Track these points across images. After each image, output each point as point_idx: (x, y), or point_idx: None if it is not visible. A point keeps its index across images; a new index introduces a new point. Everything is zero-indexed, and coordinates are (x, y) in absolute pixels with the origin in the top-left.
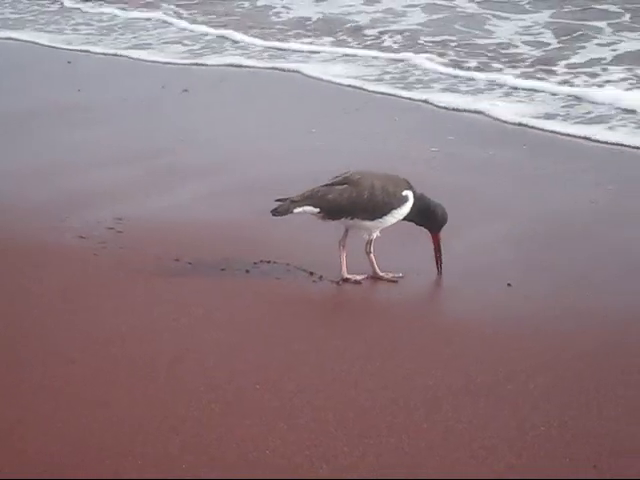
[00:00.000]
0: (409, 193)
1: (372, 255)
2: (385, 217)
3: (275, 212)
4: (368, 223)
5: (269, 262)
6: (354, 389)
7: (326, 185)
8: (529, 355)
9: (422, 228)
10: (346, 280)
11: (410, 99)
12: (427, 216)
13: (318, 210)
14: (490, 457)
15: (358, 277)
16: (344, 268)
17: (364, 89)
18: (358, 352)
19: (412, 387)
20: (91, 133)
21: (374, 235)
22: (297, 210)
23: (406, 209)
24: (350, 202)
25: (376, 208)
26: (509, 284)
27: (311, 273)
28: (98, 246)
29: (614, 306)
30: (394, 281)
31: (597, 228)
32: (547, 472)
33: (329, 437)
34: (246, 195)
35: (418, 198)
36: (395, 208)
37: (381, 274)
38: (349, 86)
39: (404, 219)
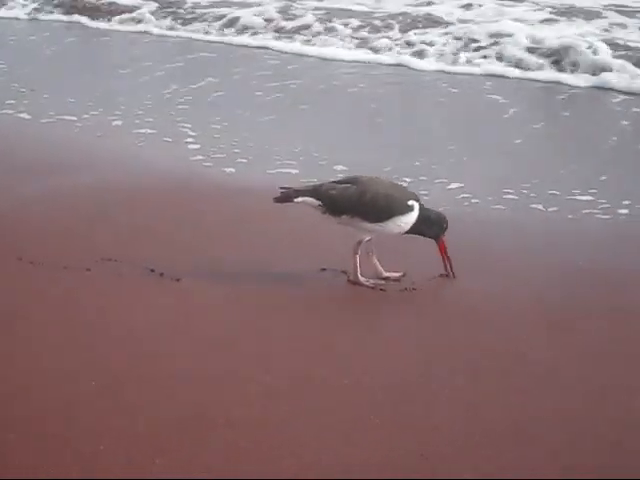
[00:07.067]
0: (415, 203)
1: (357, 257)
2: (386, 222)
3: (277, 199)
4: (367, 225)
5: (110, 260)
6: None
7: (333, 182)
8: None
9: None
10: (385, 279)
11: None
12: (431, 225)
13: (319, 203)
14: None
15: (396, 274)
16: (379, 269)
17: None
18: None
19: (295, 396)
20: None
21: (367, 237)
22: (299, 199)
23: (410, 218)
24: (351, 201)
25: (377, 211)
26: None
27: (152, 270)
28: None
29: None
30: (372, 287)
31: None
32: None
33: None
34: (89, 192)
35: (423, 210)
36: (397, 215)
37: (361, 279)
38: None
39: (411, 232)
